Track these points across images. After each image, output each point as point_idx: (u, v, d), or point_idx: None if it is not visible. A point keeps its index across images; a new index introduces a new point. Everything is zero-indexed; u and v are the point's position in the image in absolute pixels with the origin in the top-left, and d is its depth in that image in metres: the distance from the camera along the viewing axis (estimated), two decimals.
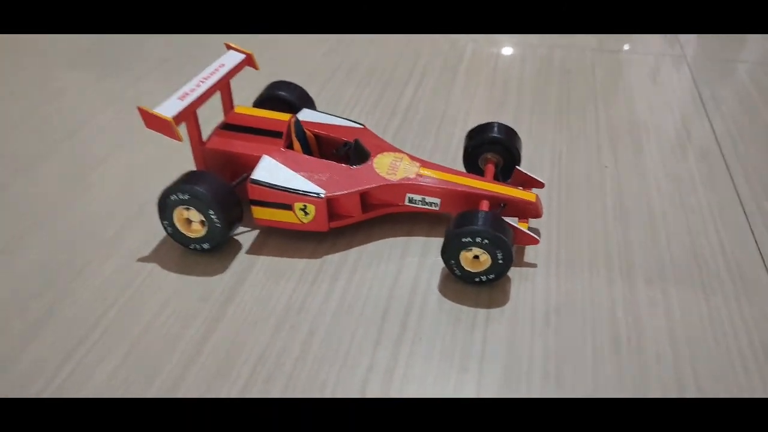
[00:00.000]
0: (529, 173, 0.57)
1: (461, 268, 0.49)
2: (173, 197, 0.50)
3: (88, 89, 0.78)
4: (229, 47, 0.61)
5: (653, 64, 0.85)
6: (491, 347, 0.46)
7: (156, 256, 0.53)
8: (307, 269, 0.52)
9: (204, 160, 0.56)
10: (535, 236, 0.52)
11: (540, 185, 0.58)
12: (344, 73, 0.82)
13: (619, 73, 0.83)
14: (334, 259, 0.53)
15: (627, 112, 0.74)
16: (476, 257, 0.49)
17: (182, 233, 0.52)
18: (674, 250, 0.54)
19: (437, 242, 0.54)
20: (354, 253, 0.54)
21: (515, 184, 0.59)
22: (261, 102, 0.64)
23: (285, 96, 0.63)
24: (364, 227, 0.56)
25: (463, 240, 0.48)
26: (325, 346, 0.46)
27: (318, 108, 0.65)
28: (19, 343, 0.46)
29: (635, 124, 0.72)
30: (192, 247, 0.53)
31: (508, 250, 0.48)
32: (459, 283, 0.50)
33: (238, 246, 0.54)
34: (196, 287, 0.50)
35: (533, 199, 0.54)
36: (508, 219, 0.51)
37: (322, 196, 0.52)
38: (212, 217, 0.50)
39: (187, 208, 0.51)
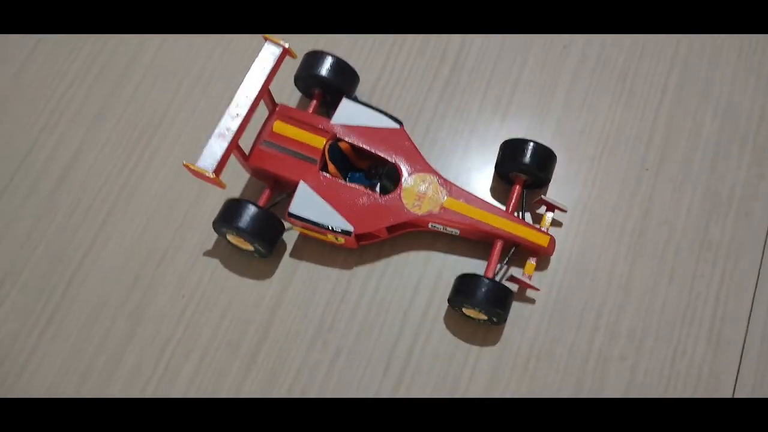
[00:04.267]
0: (553, 201, 0.60)
1: (462, 314, 0.58)
2: (223, 229, 0.59)
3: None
4: (266, 39, 0.59)
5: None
6: (474, 386, 0.58)
7: (217, 251, 0.64)
8: (339, 281, 0.62)
9: (252, 170, 0.62)
10: (536, 286, 0.58)
11: (562, 210, 0.61)
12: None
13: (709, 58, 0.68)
14: (362, 272, 0.62)
15: (697, 101, 0.66)
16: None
17: (236, 246, 0.62)
18: (671, 295, 0.59)
19: (454, 260, 0.61)
20: (380, 267, 0.62)
21: (539, 204, 0.61)
22: (300, 81, 0.64)
23: (324, 77, 0.63)
24: (390, 239, 0.63)
25: (464, 306, 0.56)
26: (347, 367, 0.59)
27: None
28: (121, 343, 0.62)
29: (700, 114, 0.66)
30: (245, 253, 0.63)
31: (502, 318, 0.56)
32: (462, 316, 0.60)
33: (283, 247, 0.64)
34: (249, 292, 0.62)
35: (545, 244, 0.58)
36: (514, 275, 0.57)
37: (352, 233, 0.58)
38: (257, 245, 0.59)
39: (237, 234, 0.59)
